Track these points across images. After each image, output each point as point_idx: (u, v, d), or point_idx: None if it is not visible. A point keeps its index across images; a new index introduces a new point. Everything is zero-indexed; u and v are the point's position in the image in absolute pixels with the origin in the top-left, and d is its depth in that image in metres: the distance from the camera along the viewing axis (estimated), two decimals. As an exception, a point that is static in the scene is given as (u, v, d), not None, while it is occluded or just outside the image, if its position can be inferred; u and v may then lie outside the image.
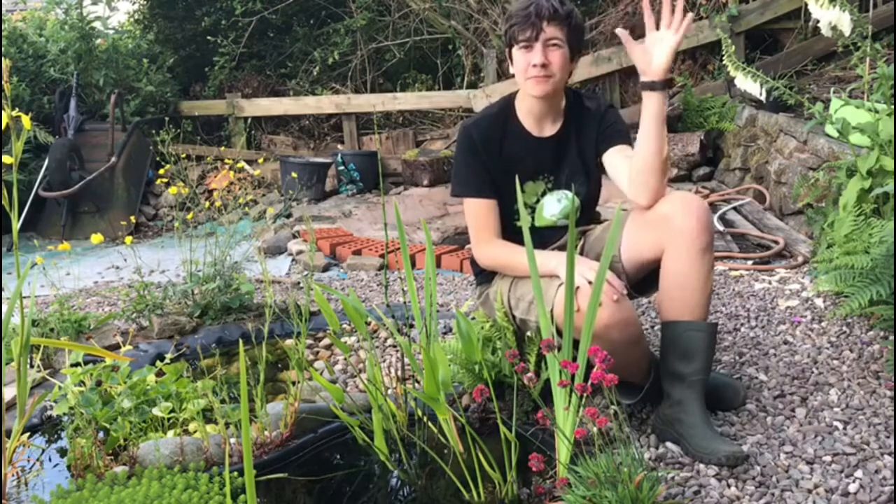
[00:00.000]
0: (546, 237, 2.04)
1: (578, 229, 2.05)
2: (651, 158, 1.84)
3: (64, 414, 2.05)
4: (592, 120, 2.07)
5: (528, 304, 1.92)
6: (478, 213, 2.04)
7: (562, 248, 1.98)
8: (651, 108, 1.83)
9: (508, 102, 2.10)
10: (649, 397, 1.94)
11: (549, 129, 2.07)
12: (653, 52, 1.82)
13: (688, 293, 1.83)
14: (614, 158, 2.01)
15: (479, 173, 2.02)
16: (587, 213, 2.15)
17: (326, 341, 2.73)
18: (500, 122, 2.06)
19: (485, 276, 2.15)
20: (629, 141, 2.04)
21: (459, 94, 6.36)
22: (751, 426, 1.93)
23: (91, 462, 1.78)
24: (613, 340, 1.71)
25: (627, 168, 1.92)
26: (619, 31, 1.86)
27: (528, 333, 2.00)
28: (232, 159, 5.52)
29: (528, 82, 1.97)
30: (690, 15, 1.81)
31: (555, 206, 2.07)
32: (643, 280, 1.96)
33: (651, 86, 1.83)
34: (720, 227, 3.96)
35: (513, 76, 2.04)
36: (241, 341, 1.95)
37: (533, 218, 2.08)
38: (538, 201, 2.08)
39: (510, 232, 2.03)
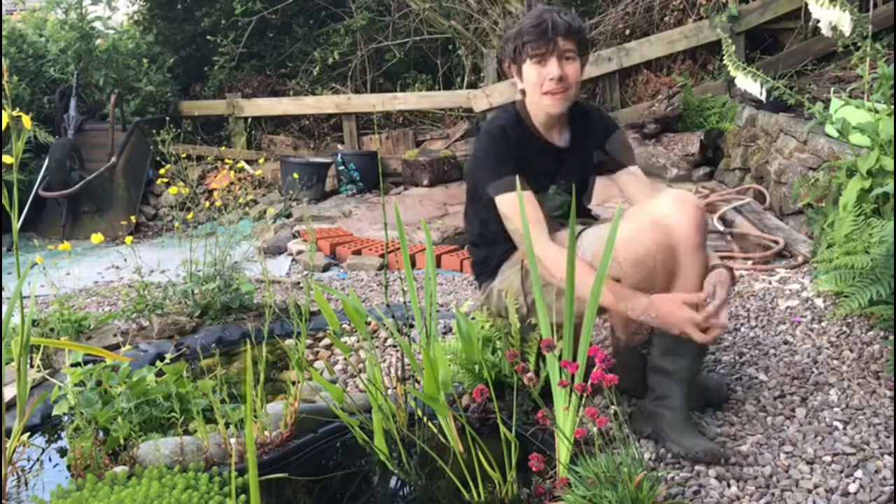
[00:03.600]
0: None
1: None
2: None
3: (64, 414, 2.05)
4: (597, 132, 2.12)
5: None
6: (527, 208, 1.88)
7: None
8: None
9: (520, 108, 2.10)
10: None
11: (558, 139, 2.10)
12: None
13: (677, 290, 1.83)
14: (628, 183, 2.10)
15: (512, 165, 1.98)
16: (581, 209, 2.18)
17: (326, 341, 2.73)
18: (520, 124, 2.07)
19: (487, 273, 2.15)
20: (634, 160, 2.14)
21: (459, 94, 6.36)
22: (751, 426, 1.93)
23: (91, 462, 1.78)
24: (653, 267, 1.75)
25: (640, 197, 2.03)
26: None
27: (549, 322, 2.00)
28: (232, 159, 5.52)
29: (543, 98, 1.98)
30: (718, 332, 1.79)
31: (552, 205, 2.10)
32: None
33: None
34: (720, 227, 3.96)
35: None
36: (246, 340, 1.95)
37: None
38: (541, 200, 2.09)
39: (503, 229, 2.05)
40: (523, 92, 2.07)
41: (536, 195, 1.99)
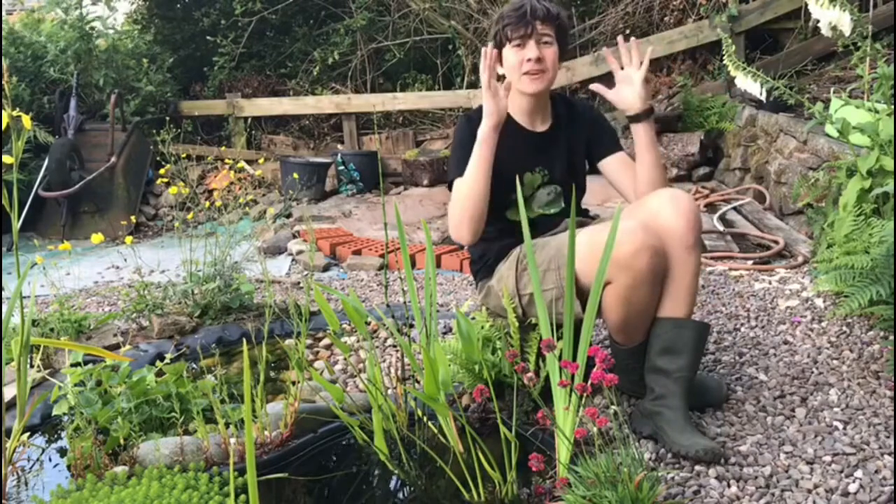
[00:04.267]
0: (537, 225, 2.06)
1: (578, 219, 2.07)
2: (651, 180, 2.01)
3: (64, 414, 2.05)
4: (583, 121, 2.17)
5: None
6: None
7: (557, 234, 2.04)
8: (641, 137, 2.02)
9: None
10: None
11: (541, 126, 2.14)
12: (625, 94, 2.02)
13: (672, 290, 1.85)
14: (613, 169, 2.14)
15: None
16: (576, 207, 2.18)
17: (326, 341, 2.73)
18: None
19: (485, 271, 2.16)
20: (621, 146, 2.19)
21: (459, 94, 6.36)
22: (751, 426, 1.93)
23: (91, 462, 1.78)
24: (640, 269, 1.75)
25: (628, 182, 2.08)
26: (595, 86, 2.09)
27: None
28: (232, 159, 5.52)
29: (522, 79, 2.04)
30: (649, 49, 2.06)
31: (544, 197, 2.12)
32: None
33: (635, 118, 2.01)
34: (720, 227, 3.96)
35: None
36: (244, 341, 1.95)
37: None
38: (533, 194, 2.11)
39: (503, 222, 2.09)
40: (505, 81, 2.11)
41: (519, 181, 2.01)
